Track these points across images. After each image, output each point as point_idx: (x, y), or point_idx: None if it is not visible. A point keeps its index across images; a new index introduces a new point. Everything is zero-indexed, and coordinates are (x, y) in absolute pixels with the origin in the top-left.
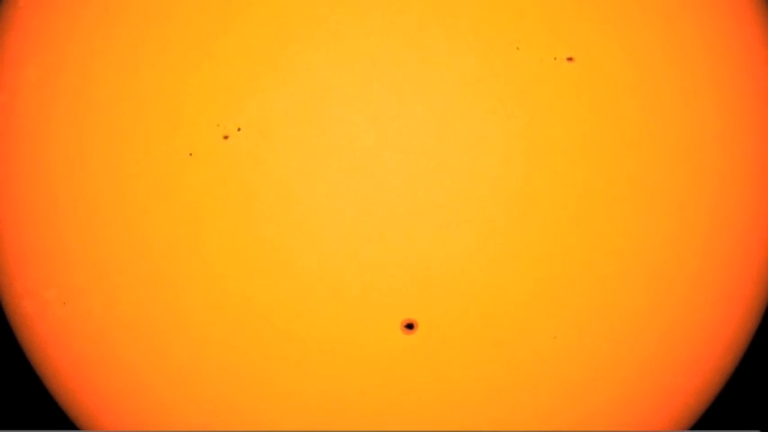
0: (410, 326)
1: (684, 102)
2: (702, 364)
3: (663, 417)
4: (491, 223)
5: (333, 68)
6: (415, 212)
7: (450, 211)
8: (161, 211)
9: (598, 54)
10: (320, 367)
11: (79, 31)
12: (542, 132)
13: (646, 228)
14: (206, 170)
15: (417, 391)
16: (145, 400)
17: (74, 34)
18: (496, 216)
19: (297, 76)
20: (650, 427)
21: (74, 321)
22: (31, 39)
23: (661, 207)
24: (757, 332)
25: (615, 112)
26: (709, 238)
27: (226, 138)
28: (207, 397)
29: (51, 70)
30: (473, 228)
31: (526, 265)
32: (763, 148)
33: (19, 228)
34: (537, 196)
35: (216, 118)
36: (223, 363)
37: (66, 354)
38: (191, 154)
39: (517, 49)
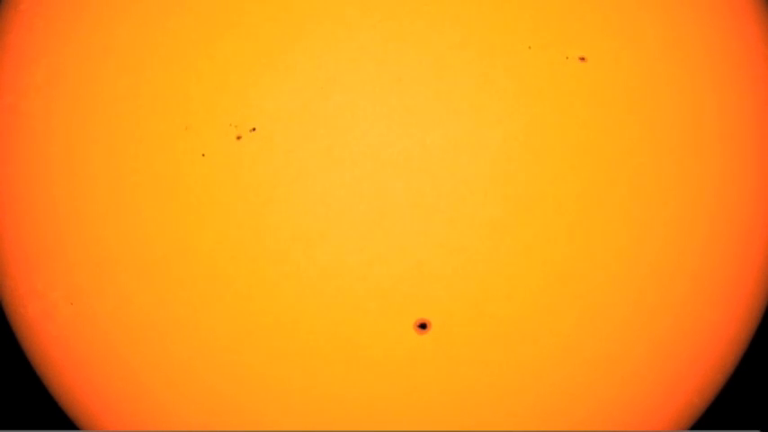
0: (423, 326)
1: (685, 101)
2: (703, 364)
3: (664, 416)
4: (502, 223)
5: (347, 69)
6: (430, 212)
7: (464, 210)
8: (172, 213)
9: (608, 54)
10: (333, 368)
11: (87, 31)
12: (555, 131)
13: (647, 228)
14: (218, 171)
15: (431, 390)
16: (146, 400)
17: (81, 35)
18: (506, 215)
19: (310, 76)
20: (651, 426)
21: (77, 322)
22: (36, 40)
23: (662, 206)
24: (757, 332)
25: (624, 111)
26: (709, 237)
27: (239, 138)
28: (219, 399)
29: (58, 71)
30: (486, 227)
31: (531, 264)
32: (763, 147)
33: (26, 229)
34: (546, 196)
35: (230, 119)
36: (233, 364)
37: (66, 354)
38: (203, 155)
39: (529, 48)
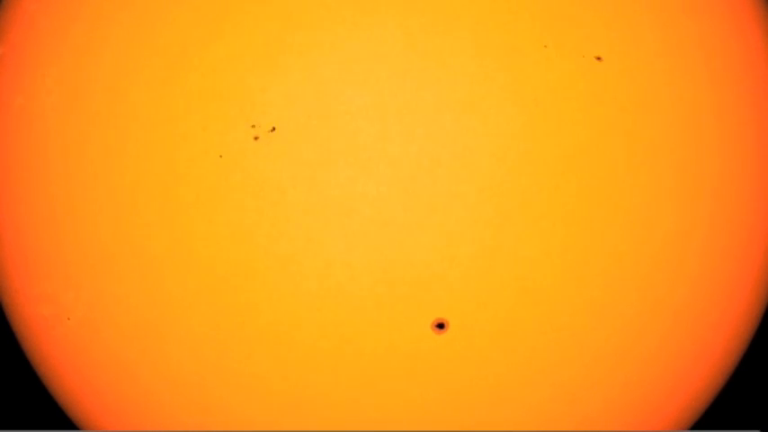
0: (441, 325)
1: (686, 101)
2: (703, 364)
3: (664, 416)
4: (517, 223)
5: (366, 70)
6: (447, 213)
7: (480, 210)
8: (188, 214)
9: (623, 53)
10: (351, 368)
11: (101, 33)
12: (567, 129)
13: (647, 228)
14: (236, 172)
15: (437, 391)
16: (146, 400)
17: (95, 36)
18: (515, 214)
19: (328, 76)
20: (652, 426)
21: (77, 323)
22: (47, 42)
23: (662, 207)
24: (757, 332)
25: (637, 111)
26: (709, 238)
27: (256, 139)
28: (225, 402)
29: (72, 73)
30: (501, 228)
31: (532, 264)
32: (764, 148)
33: (29, 231)
34: (553, 196)
35: (248, 119)
36: (247, 367)
37: (66, 354)
38: (221, 156)
39: (545, 47)
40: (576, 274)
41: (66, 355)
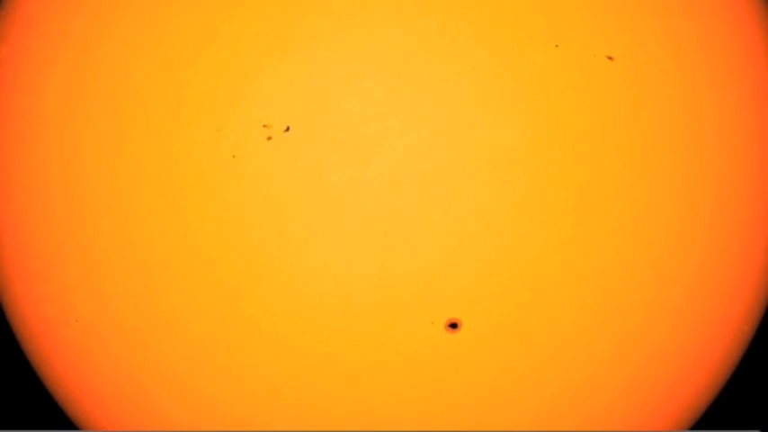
0: (454, 325)
1: (686, 101)
2: (703, 364)
3: (664, 416)
4: (519, 221)
5: (380, 69)
6: (460, 212)
7: (494, 210)
8: (204, 215)
9: (635, 53)
10: (363, 367)
11: (110, 33)
12: (579, 128)
13: (647, 228)
14: (249, 172)
15: (447, 389)
16: (147, 401)
17: (103, 37)
18: (518, 214)
19: (341, 76)
20: (652, 426)
21: (77, 324)
22: (53, 42)
23: (663, 207)
24: (757, 332)
25: (641, 111)
26: (710, 238)
27: (269, 139)
28: (228, 403)
29: (77, 74)
30: (511, 227)
31: (533, 265)
32: (764, 148)
33: (33, 232)
34: (560, 194)
35: (261, 119)
36: (252, 368)
37: (66, 355)
38: (234, 156)
39: (556, 46)
40: (577, 274)
41: (67, 355)
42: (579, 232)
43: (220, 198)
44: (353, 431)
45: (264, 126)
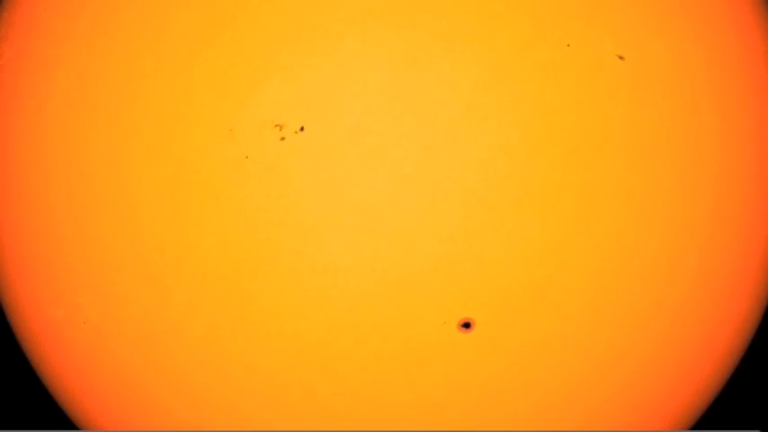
0: (467, 325)
1: (686, 101)
2: (703, 364)
3: (663, 416)
4: (521, 220)
5: (390, 68)
6: (473, 212)
7: (506, 209)
8: (217, 216)
9: (642, 53)
10: (377, 366)
11: (119, 34)
12: (586, 127)
13: (647, 228)
14: (262, 172)
15: (448, 389)
16: (147, 401)
17: (112, 37)
18: (519, 213)
19: (355, 77)
20: (652, 426)
21: (78, 325)
22: (58, 43)
23: (663, 206)
24: (757, 332)
25: (644, 111)
26: (709, 237)
27: (283, 140)
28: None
29: (84, 76)
30: (527, 227)
31: (534, 265)
32: (763, 147)
33: (36, 233)
34: (562, 193)
35: (274, 120)
36: (259, 367)
37: (66, 355)
38: (247, 157)
39: (568, 46)
40: (578, 274)
41: (71, 355)
42: (580, 232)
43: (234, 200)
44: (361, 431)
45: (277, 126)
